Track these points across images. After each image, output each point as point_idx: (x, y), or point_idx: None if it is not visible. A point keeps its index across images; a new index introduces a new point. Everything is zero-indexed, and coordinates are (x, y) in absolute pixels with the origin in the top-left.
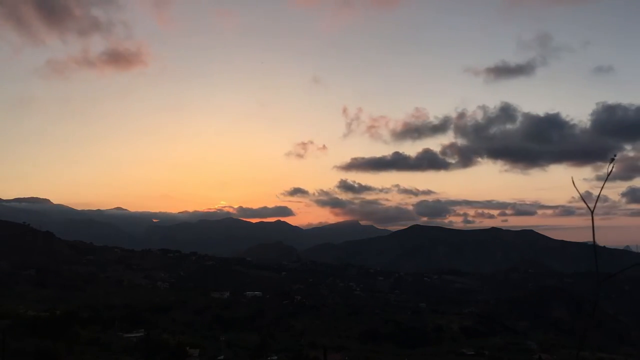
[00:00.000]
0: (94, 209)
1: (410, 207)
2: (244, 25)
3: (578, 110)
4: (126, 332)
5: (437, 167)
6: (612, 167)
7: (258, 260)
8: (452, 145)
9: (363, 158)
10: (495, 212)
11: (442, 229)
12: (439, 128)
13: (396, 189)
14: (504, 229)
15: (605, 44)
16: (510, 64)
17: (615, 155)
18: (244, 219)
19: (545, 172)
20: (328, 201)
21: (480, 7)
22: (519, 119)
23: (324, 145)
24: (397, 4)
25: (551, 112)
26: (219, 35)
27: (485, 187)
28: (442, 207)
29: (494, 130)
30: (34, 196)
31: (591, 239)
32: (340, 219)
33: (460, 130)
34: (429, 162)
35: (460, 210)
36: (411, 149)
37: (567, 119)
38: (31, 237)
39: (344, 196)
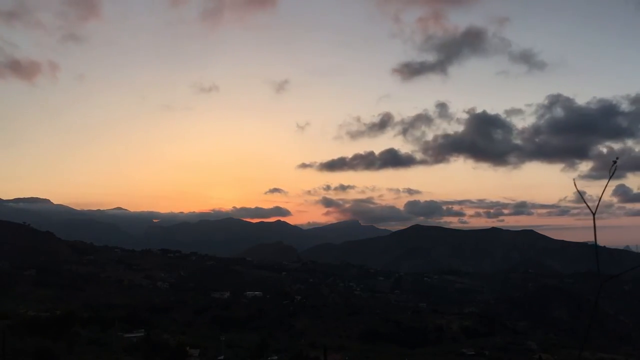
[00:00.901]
0: (94, 209)
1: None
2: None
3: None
4: (126, 332)
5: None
6: (615, 169)
7: (258, 260)
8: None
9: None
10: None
11: (442, 229)
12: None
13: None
14: (504, 229)
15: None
16: None
17: (617, 158)
18: (244, 219)
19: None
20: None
21: None
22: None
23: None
24: None
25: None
26: (214, 32)
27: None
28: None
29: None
30: (34, 196)
31: (591, 239)
32: (340, 218)
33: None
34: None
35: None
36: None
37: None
38: (31, 237)
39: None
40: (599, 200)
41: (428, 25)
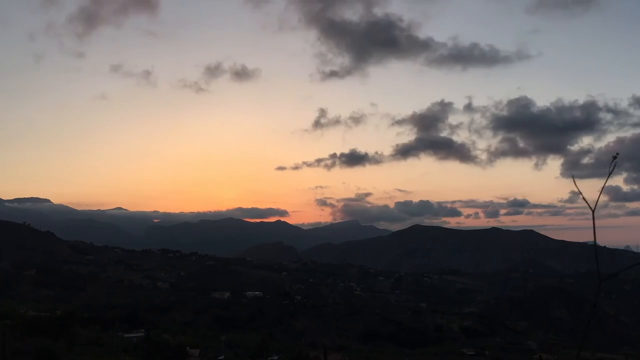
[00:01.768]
0: (94, 209)
1: None
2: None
3: None
4: (126, 332)
5: None
6: (614, 166)
7: (258, 260)
8: None
9: None
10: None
11: (442, 229)
12: None
13: None
14: (504, 228)
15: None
16: None
17: (617, 154)
18: (244, 219)
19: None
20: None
21: None
22: None
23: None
24: None
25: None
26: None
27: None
28: None
29: None
30: (34, 196)
31: (591, 239)
32: (340, 219)
33: None
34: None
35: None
36: None
37: None
38: (31, 237)
39: None
40: (598, 198)
41: None
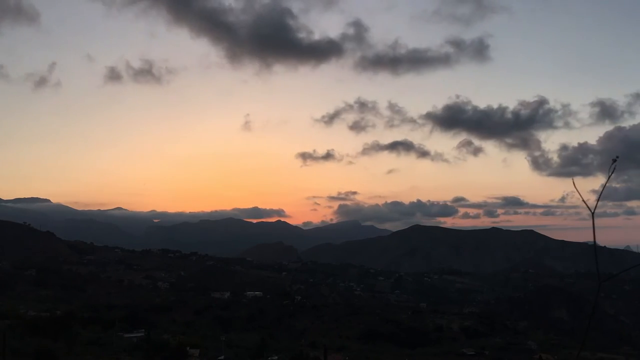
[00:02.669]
0: (94, 209)
1: None
2: None
3: None
4: (127, 332)
5: None
6: (614, 168)
7: (258, 261)
8: None
9: None
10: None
11: (442, 228)
12: None
13: None
14: (504, 228)
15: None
16: None
17: (617, 157)
18: (245, 219)
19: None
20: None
21: None
22: None
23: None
24: None
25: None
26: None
27: None
28: None
29: None
30: (34, 196)
31: (591, 239)
32: (340, 218)
33: None
34: None
35: None
36: None
37: None
38: (31, 237)
39: None
40: (597, 199)
41: None
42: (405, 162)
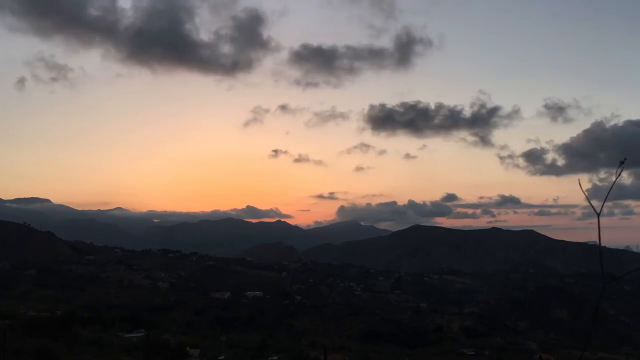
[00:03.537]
0: (94, 209)
1: None
2: None
3: None
4: (127, 332)
5: None
6: (621, 170)
7: (258, 261)
8: None
9: None
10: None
11: (442, 228)
12: None
13: None
14: (504, 228)
15: None
16: None
17: (625, 159)
18: (245, 219)
19: None
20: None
21: None
22: None
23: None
24: None
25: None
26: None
27: None
28: None
29: None
30: (34, 196)
31: (591, 239)
32: (341, 219)
33: None
34: None
35: None
36: None
37: None
38: (31, 237)
39: None
40: (604, 202)
41: None
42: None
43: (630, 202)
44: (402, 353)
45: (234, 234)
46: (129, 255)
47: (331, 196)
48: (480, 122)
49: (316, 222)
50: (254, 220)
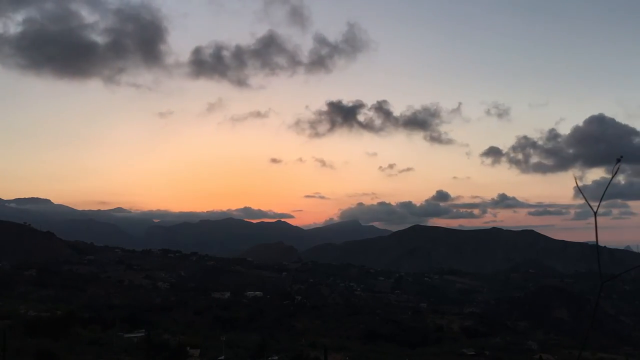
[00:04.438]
0: (94, 209)
1: None
2: None
3: None
4: (127, 332)
5: None
6: (618, 168)
7: (258, 261)
8: None
9: None
10: None
11: (442, 229)
12: None
13: None
14: (504, 228)
15: None
16: None
17: (621, 157)
18: (245, 219)
19: None
20: None
21: None
22: None
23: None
24: None
25: None
26: None
27: None
28: None
29: None
30: (34, 196)
31: (592, 239)
32: (341, 219)
33: None
34: None
35: None
36: None
37: None
38: (31, 237)
39: None
40: (600, 200)
41: None
42: None
43: (630, 202)
44: (402, 353)
45: (234, 234)
46: (129, 256)
47: (331, 196)
48: None
49: (316, 222)
50: (254, 220)
